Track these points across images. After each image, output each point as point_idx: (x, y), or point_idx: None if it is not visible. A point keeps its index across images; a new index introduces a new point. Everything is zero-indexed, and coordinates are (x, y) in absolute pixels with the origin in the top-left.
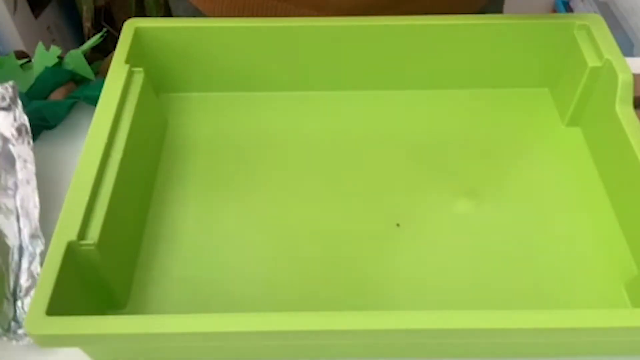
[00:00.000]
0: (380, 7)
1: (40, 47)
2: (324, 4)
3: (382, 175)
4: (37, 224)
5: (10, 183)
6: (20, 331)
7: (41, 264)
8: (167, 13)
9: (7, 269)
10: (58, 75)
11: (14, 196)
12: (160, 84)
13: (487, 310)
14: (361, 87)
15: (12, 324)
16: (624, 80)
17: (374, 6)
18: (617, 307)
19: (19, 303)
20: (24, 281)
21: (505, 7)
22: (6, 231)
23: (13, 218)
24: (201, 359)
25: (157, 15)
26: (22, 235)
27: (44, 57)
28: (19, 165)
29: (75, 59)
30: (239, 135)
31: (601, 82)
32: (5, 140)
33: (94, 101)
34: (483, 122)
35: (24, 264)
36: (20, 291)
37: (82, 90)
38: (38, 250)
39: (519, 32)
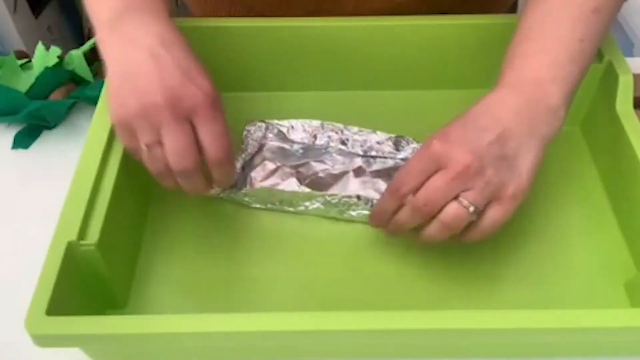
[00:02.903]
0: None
1: (40, 47)
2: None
3: None
4: None
5: None
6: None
7: None
8: None
9: None
10: (58, 75)
11: None
12: None
13: (487, 311)
14: (361, 87)
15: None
16: (624, 80)
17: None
18: (616, 307)
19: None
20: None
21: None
22: None
23: None
24: (201, 359)
25: None
26: None
27: (44, 57)
28: None
29: (75, 59)
30: (239, 134)
31: (601, 82)
32: None
33: (94, 101)
34: None
35: None
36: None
37: (82, 90)
38: None
39: None
